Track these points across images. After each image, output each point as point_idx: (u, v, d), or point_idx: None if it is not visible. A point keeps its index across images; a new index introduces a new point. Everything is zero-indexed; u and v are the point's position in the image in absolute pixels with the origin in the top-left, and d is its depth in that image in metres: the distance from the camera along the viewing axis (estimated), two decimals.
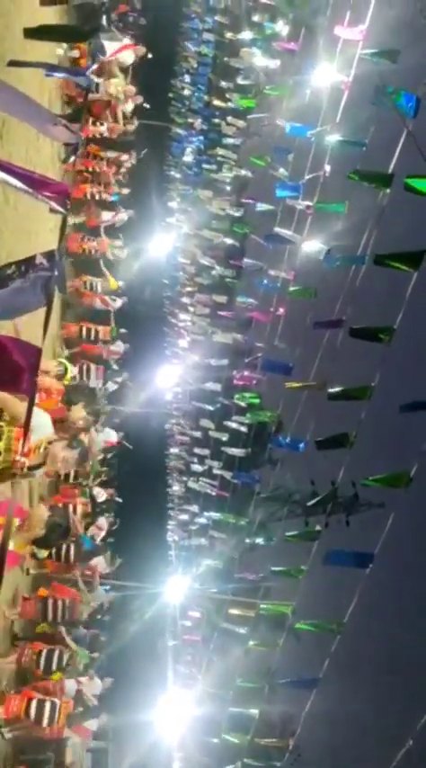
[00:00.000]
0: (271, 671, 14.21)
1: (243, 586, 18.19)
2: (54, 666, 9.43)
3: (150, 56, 16.08)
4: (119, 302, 16.51)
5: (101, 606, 12.63)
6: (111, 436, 14.29)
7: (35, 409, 3.85)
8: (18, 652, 9.51)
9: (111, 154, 16.72)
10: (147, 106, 16.80)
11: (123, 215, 17.04)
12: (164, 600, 20.23)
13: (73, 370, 11.93)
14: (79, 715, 9.73)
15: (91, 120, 15.11)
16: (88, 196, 16.24)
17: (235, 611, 16.30)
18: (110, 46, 8.00)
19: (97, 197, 16.44)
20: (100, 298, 15.68)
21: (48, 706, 8.78)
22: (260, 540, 17.72)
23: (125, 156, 16.86)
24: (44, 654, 9.50)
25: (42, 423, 5.39)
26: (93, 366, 14.71)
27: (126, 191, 17.46)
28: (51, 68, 6.80)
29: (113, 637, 13.57)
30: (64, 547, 11.22)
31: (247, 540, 17.93)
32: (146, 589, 20.25)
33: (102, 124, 15.58)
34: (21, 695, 8.88)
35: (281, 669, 13.85)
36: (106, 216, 16.43)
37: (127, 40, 12.30)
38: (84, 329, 15.41)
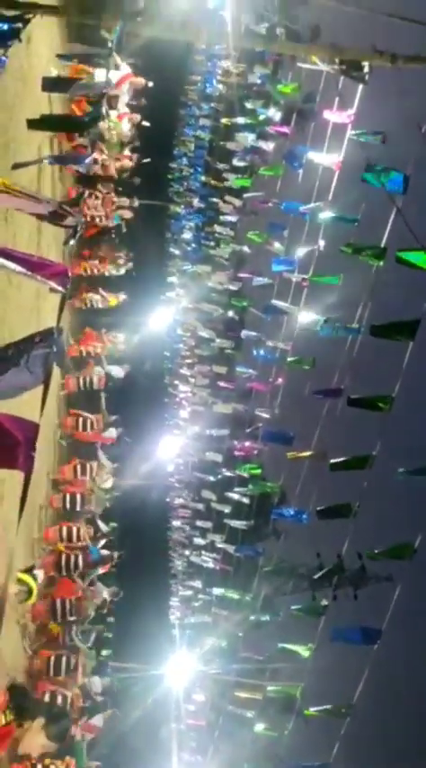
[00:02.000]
0: (280, 757, 13.55)
1: (248, 667, 17.53)
2: (62, 672, 9.97)
3: (150, 129, 16.48)
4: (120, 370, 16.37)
5: (104, 601, 12.63)
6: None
7: None
8: (28, 661, 9.97)
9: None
10: (147, 124, 16.64)
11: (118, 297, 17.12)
12: (167, 682, 19.48)
13: (39, 584, 9.90)
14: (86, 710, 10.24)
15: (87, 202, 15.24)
16: (86, 272, 16.32)
17: (241, 694, 15.69)
18: (114, 75, 8.26)
19: (95, 271, 16.54)
20: (94, 436, 14.68)
21: (60, 697, 9.47)
22: (265, 617, 17.24)
23: (124, 199, 16.64)
24: (53, 659, 10.04)
25: None
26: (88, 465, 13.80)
27: (124, 268, 17.64)
28: (54, 159, 7.13)
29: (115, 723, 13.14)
30: (72, 557, 11.54)
31: (252, 617, 17.41)
32: (149, 671, 19.52)
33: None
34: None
35: (289, 754, 13.21)
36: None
37: (127, 68, 12.08)
38: (80, 420, 15.02)
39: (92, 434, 14.19)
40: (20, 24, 6.10)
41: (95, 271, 16.42)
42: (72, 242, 6.45)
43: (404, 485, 9.57)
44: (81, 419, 14.73)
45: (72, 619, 10.82)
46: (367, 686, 9.94)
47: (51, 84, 7.94)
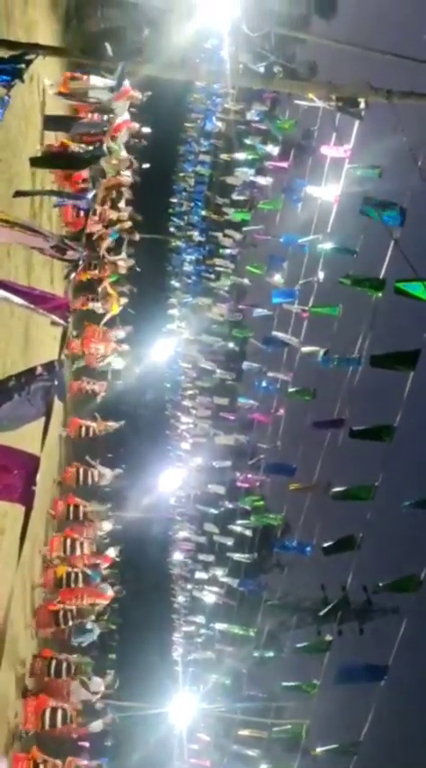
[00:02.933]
0: None
1: (253, 705, 17.16)
2: (63, 674, 10.45)
3: (150, 166, 16.58)
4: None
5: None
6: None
7: None
8: (30, 666, 10.38)
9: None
10: (147, 166, 16.71)
11: (121, 332, 17.15)
12: (170, 721, 19.05)
13: None
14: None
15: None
16: (86, 307, 16.35)
17: (245, 732, 15.34)
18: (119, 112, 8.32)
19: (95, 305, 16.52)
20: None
21: (59, 713, 9.79)
22: (269, 654, 16.93)
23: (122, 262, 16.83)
24: (53, 663, 10.51)
25: None
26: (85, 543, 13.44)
27: (124, 300, 17.61)
28: (56, 195, 7.24)
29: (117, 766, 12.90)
30: (72, 575, 12.02)
31: (256, 653, 17.10)
32: (151, 710, 19.10)
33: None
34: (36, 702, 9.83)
35: None
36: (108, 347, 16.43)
37: (126, 114, 12.01)
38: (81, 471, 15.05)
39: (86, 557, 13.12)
40: (22, 65, 6.25)
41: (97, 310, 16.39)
42: (73, 275, 6.51)
43: (409, 515, 9.49)
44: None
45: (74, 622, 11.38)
46: (374, 722, 9.72)
47: (53, 123, 8.11)
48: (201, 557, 22.73)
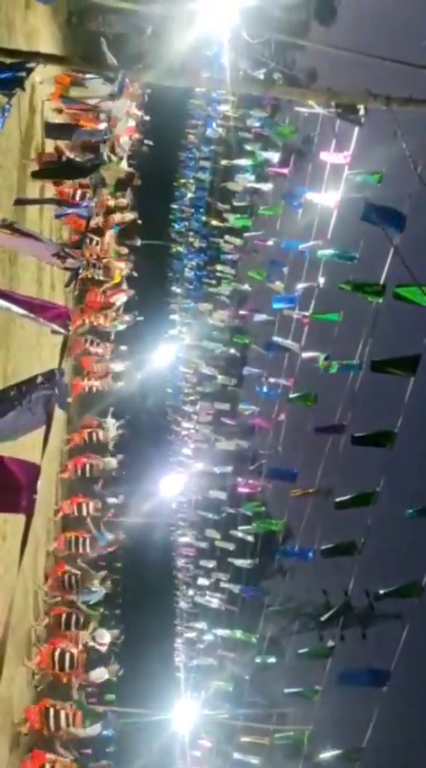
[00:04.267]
0: None
1: (255, 712, 17.12)
2: (73, 626, 11.38)
3: (151, 172, 16.62)
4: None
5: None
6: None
7: None
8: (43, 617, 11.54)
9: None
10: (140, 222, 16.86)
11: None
12: (172, 728, 18.98)
13: None
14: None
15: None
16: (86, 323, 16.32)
17: (247, 739, 15.29)
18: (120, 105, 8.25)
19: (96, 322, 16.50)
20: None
21: (68, 656, 10.76)
22: (271, 659, 16.89)
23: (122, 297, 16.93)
24: (64, 616, 11.53)
25: None
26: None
27: (127, 318, 17.52)
28: (56, 203, 7.27)
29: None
30: (80, 540, 12.99)
31: (258, 660, 17.06)
32: (153, 716, 19.04)
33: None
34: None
35: None
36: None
37: (132, 122, 11.91)
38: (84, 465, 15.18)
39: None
40: (23, 73, 6.28)
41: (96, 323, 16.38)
42: (73, 283, 6.53)
43: (411, 521, 9.48)
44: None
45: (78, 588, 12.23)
46: (376, 728, 9.70)
47: (54, 131, 8.14)
48: (203, 562, 22.69)
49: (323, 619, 14.16)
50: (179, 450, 27.79)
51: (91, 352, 16.21)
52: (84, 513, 13.66)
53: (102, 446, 15.48)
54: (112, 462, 15.24)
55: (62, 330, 4.37)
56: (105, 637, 11.49)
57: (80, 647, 11.03)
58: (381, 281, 9.65)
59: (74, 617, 11.57)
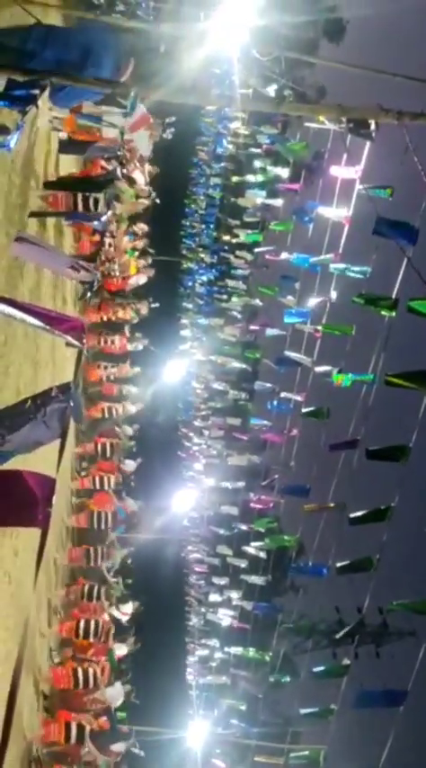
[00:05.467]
0: None
1: (269, 731, 16.88)
2: (94, 598, 12.01)
3: (162, 188, 16.77)
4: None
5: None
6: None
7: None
8: (65, 589, 12.19)
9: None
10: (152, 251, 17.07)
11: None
12: (185, 746, 18.75)
13: None
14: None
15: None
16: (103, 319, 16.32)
17: (261, 759, 15.07)
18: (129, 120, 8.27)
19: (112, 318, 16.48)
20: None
21: (92, 624, 11.40)
22: (285, 678, 16.68)
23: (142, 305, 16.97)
24: (87, 588, 12.15)
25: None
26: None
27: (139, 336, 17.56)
28: (70, 216, 7.32)
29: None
30: (102, 515, 13.68)
31: (271, 678, 16.85)
32: (166, 734, 18.83)
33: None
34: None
35: None
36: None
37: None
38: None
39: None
40: (37, 90, 6.33)
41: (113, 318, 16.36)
42: (88, 294, 6.56)
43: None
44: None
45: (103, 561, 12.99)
46: (393, 747, 9.52)
47: (68, 146, 8.21)
48: (215, 579, 22.51)
49: (337, 636, 14.02)
50: (190, 465, 27.72)
51: (105, 376, 16.30)
52: (106, 486, 14.24)
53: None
54: (128, 430, 16.04)
55: (77, 343, 4.37)
56: (127, 607, 12.25)
57: (106, 615, 11.65)
58: (394, 295, 9.62)
59: (95, 589, 12.12)
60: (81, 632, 11.15)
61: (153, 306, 17.37)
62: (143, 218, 16.38)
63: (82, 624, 11.26)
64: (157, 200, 16.42)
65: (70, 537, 13.59)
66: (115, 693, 11.20)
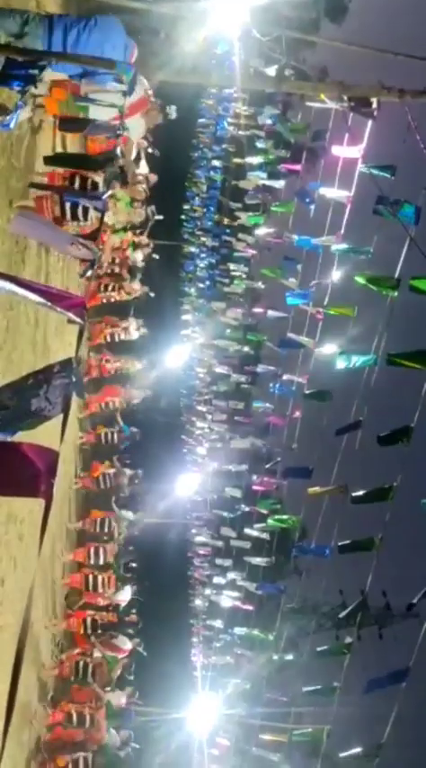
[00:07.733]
0: None
1: (273, 710, 17.04)
2: (101, 561, 12.74)
3: (162, 172, 16.54)
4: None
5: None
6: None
7: None
8: (74, 553, 12.97)
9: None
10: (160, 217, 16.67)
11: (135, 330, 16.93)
12: (189, 726, 18.96)
13: None
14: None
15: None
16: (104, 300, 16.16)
17: (266, 737, 15.25)
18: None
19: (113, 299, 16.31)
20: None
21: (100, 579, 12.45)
22: (289, 657, 16.83)
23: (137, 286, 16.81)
24: (92, 551, 12.80)
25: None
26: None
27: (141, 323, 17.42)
28: (69, 194, 7.29)
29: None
30: (110, 434, 15.01)
31: (275, 657, 17.00)
32: (171, 714, 19.04)
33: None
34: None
35: None
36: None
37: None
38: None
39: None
40: (36, 70, 6.28)
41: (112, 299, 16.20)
42: (89, 273, 6.55)
43: None
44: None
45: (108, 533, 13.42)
46: (396, 724, 9.65)
47: (68, 124, 8.14)
48: (219, 561, 22.66)
49: (340, 616, 14.13)
50: (194, 449, 27.79)
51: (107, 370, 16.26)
52: (112, 407, 15.13)
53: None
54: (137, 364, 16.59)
55: (78, 319, 4.39)
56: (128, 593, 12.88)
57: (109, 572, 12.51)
58: (396, 275, 9.61)
59: (100, 578, 12.55)
60: (90, 585, 12.25)
61: (150, 295, 17.20)
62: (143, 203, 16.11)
63: (91, 579, 12.32)
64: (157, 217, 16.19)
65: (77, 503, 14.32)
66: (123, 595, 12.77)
